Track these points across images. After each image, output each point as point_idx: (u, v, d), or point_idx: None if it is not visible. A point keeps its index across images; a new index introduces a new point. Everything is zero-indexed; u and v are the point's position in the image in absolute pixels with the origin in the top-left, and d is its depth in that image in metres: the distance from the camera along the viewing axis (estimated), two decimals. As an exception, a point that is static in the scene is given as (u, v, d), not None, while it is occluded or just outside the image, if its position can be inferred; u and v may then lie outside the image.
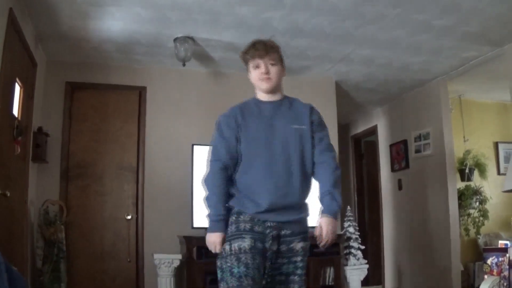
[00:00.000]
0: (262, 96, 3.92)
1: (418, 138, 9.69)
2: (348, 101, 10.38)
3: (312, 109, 3.93)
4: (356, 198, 12.46)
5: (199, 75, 8.43)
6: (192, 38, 7.23)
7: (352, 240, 8.20)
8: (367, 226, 12.10)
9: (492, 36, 7.23)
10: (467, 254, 9.40)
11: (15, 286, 3.72)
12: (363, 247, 8.28)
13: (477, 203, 9.49)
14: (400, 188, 10.41)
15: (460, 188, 9.44)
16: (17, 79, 6.04)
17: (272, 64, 3.78)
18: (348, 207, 8.62)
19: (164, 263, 7.10)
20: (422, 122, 9.62)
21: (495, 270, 4.53)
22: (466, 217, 9.44)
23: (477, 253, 9.47)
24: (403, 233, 10.30)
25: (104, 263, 7.73)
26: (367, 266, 8.20)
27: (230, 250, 3.55)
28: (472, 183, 9.64)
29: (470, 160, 9.65)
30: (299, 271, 3.68)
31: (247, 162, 3.70)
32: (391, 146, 10.73)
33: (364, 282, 8.49)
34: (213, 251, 3.63)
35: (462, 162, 9.68)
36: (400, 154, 10.32)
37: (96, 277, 7.65)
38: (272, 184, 3.60)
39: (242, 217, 3.62)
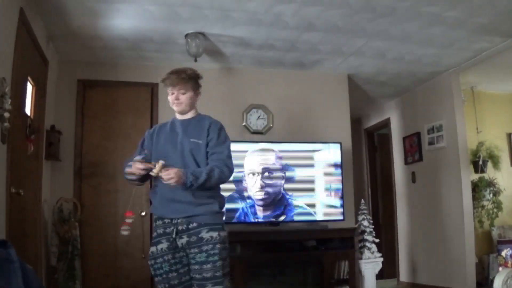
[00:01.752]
0: (177, 115, 4.62)
1: (431, 130, 9.65)
2: (360, 94, 10.34)
3: (210, 126, 4.50)
4: (370, 191, 12.43)
5: (210, 70, 8.40)
6: (203, 34, 7.22)
7: (366, 234, 8.19)
8: (381, 220, 12.07)
9: (504, 28, 7.18)
10: (481, 246, 9.35)
11: (29, 285, 3.71)
12: (377, 241, 8.27)
13: (491, 195, 9.44)
14: (413, 180, 10.38)
15: (473, 180, 9.39)
16: (29, 78, 6.05)
17: (183, 93, 4.47)
18: (362, 201, 8.60)
19: (178, 259, 7.10)
20: (435, 114, 9.58)
21: (509, 262, 4.51)
22: (480, 209, 9.40)
23: (491, 245, 9.44)
24: (417, 226, 10.27)
25: (118, 260, 7.74)
26: (381, 259, 8.18)
27: (155, 252, 4.18)
28: (485, 175, 9.59)
29: (484, 152, 9.59)
30: (211, 259, 4.09)
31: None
32: (404, 138, 10.69)
33: (379, 275, 8.47)
34: (138, 171, 4.11)
35: (475, 154, 9.63)
36: (414, 147, 10.27)
37: (110, 275, 7.66)
38: (169, 187, 4.06)
39: (158, 222, 4.28)
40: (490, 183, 9.47)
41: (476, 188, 9.33)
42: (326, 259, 7.64)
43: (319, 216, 8.02)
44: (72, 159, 7.73)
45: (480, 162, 9.56)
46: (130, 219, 4.36)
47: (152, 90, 8.29)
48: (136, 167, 4.07)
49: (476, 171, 9.62)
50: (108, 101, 8.11)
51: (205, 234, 4.11)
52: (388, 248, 11.08)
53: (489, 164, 9.70)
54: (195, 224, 4.14)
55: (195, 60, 7.39)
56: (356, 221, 8.48)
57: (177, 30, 7.09)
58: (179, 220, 4.14)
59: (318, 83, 8.97)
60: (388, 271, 10.91)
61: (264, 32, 7.20)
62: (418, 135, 10.12)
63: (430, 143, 9.71)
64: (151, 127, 7.89)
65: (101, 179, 7.87)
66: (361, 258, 8.01)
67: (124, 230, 4.28)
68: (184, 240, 4.12)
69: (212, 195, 4.31)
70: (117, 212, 7.79)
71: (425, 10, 6.59)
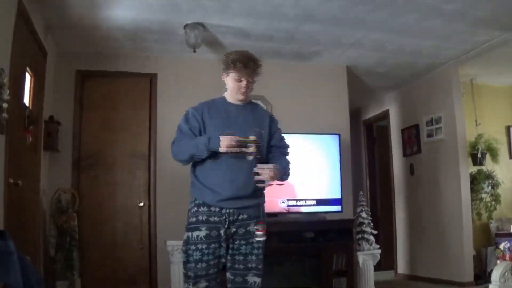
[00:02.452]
0: (231, 99, 4.45)
1: (430, 122, 9.66)
2: (359, 86, 10.33)
3: (271, 118, 4.54)
4: (368, 183, 12.44)
5: (209, 61, 8.38)
6: (202, 25, 7.20)
7: (364, 225, 8.19)
8: (379, 211, 12.08)
9: (503, 20, 7.18)
10: (479, 239, 9.36)
11: (27, 276, 3.72)
12: (375, 232, 8.28)
13: (489, 188, 9.44)
14: (412, 172, 10.39)
15: (472, 172, 9.40)
16: (28, 69, 6.05)
17: (251, 82, 4.34)
18: (360, 192, 8.61)
19: (177, 250, 7.09)
20: (434, 107, 9.59)
21: (507, 255, 4.52)
22: (478, 202, 9.40)
23: (489, 238, 9.45)
24: (415, 218, 10.29)
25: (117, 251, 7.76)
26: (379, 251, 8.20)
27: (190, 238, 4.15)
28: (484, 168, 9.60)
29: (482, 145, 9.59)
30: (255, 251, 4.22)
31: (209, 156, 4.20)
32: (403, 130, 10.71)
33: (376, 267, 8.49)
34: (232, 147, 4.02)
35: (474, 146, 9.62)
36: (412, 139, 10.29)
37: (109, 265, 7.68)
38: (230, 176, 4.13)
39: (201, 208, 4.19)
40: (489, 176, 9.47)
41: (475, 180, 9.33)
42: (324, 251, 7.66)
43: (317, 207, 8.04)
44: (70, 150, 7.72)
45: (479, 155, 9.55)
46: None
47: (151, 81, 8.28)
48: (230, 143, 3.99)
49: (474, 163, 9.61)
50: (106, 92, 8.11)
51: (253, 227, 4.19)
52: (386, 240, 11.11)
53: (488, 157, 9.70)
54: (245, 216, 4.18)
55: (194, 51, 7.40)
56: (355, 212, 8.49)
57: (176, 20, 7.07)
58: (230, 210, 4.13)
59: (317, 74, 8.97)
60: (386, 263, 10.95)
61: (263, 23, 7.20)
62: (416, 127, 10.13)
63: (429, 135, 9.72)
64: (150, 118, 7.93)
65: (99, 170, 7.88)
66: (359, 250, 8.02)
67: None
68: (231, 230, 4.14)
69: (262, 188, 4.29)
70: (116, 203, 7.84)
71: (424, 2, 6.58)
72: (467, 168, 9.11)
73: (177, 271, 7.14)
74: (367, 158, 12.56)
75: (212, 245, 4.09)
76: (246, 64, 4.21)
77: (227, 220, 4.12)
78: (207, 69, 8.38)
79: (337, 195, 8.15)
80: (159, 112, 8.14)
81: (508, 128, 10.28)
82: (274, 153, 4.39)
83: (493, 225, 9.50)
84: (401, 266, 10.79)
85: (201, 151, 4.13)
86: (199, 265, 4.06)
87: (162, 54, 8.27)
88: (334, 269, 7.75)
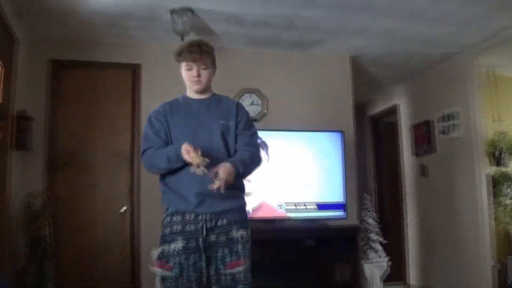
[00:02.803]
0: (191, 94, 4.47)
1: (444, 118, 9.60)
2: (365, 78, 10.34)
3: (238, 107, 4.47)
4: (375, 185, 12.42)
5: (199, 50, 8.38)
6: (191, 10, 7.14)
7: (370, 232, 8.16)
8: (387, 217, 12.05)
9: (528, 3, 7.13)
10: (501, 248, 9.31)
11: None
12: (383, 240, 8.23)
13: (509, 190, 9.39)
14: (424, 174, 10.34)
15: (490, 173, 9.33)
16: (-5, 59, 5.99)
17: (204, 68, 4.31)
18: (366, 196, 8.58)
19: (163, 260, 7.06)
20: (449, 101, 9.53)
21: (531, 266, 4.47)
22: (502, 207, 9.34)
23: (511, 246, 9.40)
24: (427, 224, 10.26)
25: (96, 261, 7.71)
26: (387, 260, 8.15)
27: (166, 252, 4.03)
28: (506, 169, 9.53)
29: (503, 143, 9.53)
30: (242, 261, 4.07)
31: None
32: (413, 127, 10.65)
33: (385, 278, 8.44)
34: (189, 157, 3.89)
35: (493, 145, 9.57)
36: (424, 137, 10.24)
37: (87, 277, 7.63)
38: (200, 177, 3.93)
39: (175, 218, 4.11)
40: (511, 178, 9.41)
41: (497, 183, 9.26)
42: (325, 261, 7.63)
43: (318, 213, 8.00)
44: (44, 149, 7.67)
45: (501, 155, 9.49)
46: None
47: (134, 72, 8.25)
48: (186, 152, 3.89)
49: (495, 164, 9.56)
50: (84, 84, 8.08)
51: (235, 233, 4.07)
52: (395, 249, 11.06)
53: (510, 157, 9.65)
54: (224, 222, 4.08)
55: (182, 39, 7.32)
56: (360, 218, 8.46)
57: (162, 5, 7.01)
58: (207, 216, 4.04)
59: (318, 65, 8.96)
60: (395, 274, 10.90)
61: (259, 7, 7.14)
62: (428, 123, 10.08)
63: (443, 133, 9.66)
64: (133, 113, 7.87)
65: (77, 171, 7.85)
66: (365, 260, 7.98)
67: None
68: (211, 239, 4.04)
69: (240, 187, 4.27)
70: (95, 208, 7.82)
71: (439, -16, 6.55)
72: (486, 169, 9.04)
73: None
74: (373, 157, 12.57)
75: (192, 257, 3.98)
76: (190, 49, 4.22)
77: (204, 227, 4.03)
78: (196, 59, 8.34)
79: (340, 199, 8.12)
80: (143, 107, 8.07)
81: (533, 124, 10.24)
82: (238, 143, 4.30)
83: (515, 232, 9.46)
84: (413, 278, 10.77)
85: (174, 163, 4.08)
86: (179, 281, 3.96)
87: (146, 43, 8.25)
88: (337, 281, 7.70)
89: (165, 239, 4.08)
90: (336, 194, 8.12)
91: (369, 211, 8.33)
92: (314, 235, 7.80)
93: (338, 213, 8.08)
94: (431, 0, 6.94)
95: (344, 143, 8.27)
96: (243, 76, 8.53)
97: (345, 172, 8.22)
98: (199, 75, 4.26)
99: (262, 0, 6.88)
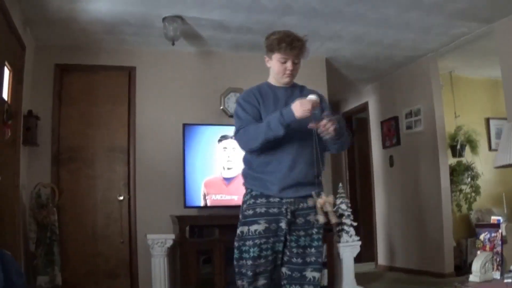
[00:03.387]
0: (275, 82, 4.15)
1: (409, 114, 9.74)
2: (338, 78, 10.39)
3: (321, 97, 4.03)
4: (347, 175, 12.51)
5: (188, 54, 8.45)
6: (181, 17, 7.23)
7: (344, 217, 8.23)
8: (359, 203, 12.17)
9: (481, 13, 7.26)
10: (459, 230, 9.47)
11: (8, 270, 3.75)
12: (355, 224, 8.32)
13: (469, 179, 9.54)
14: (391, 164, 10.47)
15: (451, 164, 9.50)
16: (6, 63, 6.04)
17: (297, 63, 4.03)
18: (340, 184, 8.65)
19: (157, 243, 7.14)
20: (413, 99, 9.67)
21: (487, 246, 4.56)
22: (458, 193, 9.50)
23: (469, 229, 9.54)
24: (395, 209, 10.38)
25: (97, 245, 7.77)
26: (359, 243, 8.24)
27: (247, 233, 3.85)
28: (463, 159, 9.70)
29: (462, 136, 9.69)
30: (315, 243, 3.93)
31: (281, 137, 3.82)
32: (382, 122, 10.79)
33: (357, 259, 8.54)
34: (311, 108, 3.67)
35: (453, 138, 9.73)
36: (391, 131, 10.36)
37: (89, 260, 7.70)
38: (288, 164, 3.85)
39: (259, 200, 3.88)
40: (468, 167, 9.57)
41: (454, 172, 9.44)
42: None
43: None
44: (49, 144, 7.72)
45: (458, 147, 9.65)
46: None
47: (129, 74, 8.28)
48: (304, 107, 3.65)
49: (454, 155, 9.72)
50: (85, 86, 8.11)
51: (312, 217, 3.88)
52: (366, 232, 11.18)
53: (467, 149, 9.81)
54: (305, 205, 3.89)
55: (173, 44, 7.42)
56: (334, 204, 8.53)
57: (154, 13, 7.09)
58: (291, 200, 3.85)
59: (296, 67, 9.01)
60: (366, 254, 11.02)
61: (242, 15, 7.23)
62: (396, 119, 10.21)
63: (408, 127, 9.81)
64: (129, 111, 7.94)
65: (79, 164, 7.88)
66: (339, 242, 8.06)
67: None
68: (291, 221, 3.86)
69: (320, 174, 4.03)
70: (96, 196, 7.86)
71: (403, -5, 6.66)
72: (447, 160, 9.21)
73: (157, 264, 7.18)
74: (346, 150, 12.61)
75: (271, 239, 3.82)
76: (291, 43, 3.94)
77: (289, 210, 3.84)
78: (186, 62, 8.43)
79: (316, 187, 8.17)
80: (138, 106, 8.16)
81: (487, 120, 10.39)
82: None
83: (473, 216, 9.61)
84: (382, 258, 10.88)
85: (277, 130, 3.72)
86: (257, 262, 3.80)
87: (140, 47, 8.28)
88: (314, 261, 7.79)
89: (247, 220, 3.89)
90: (312, 183, 8.19)
91: (342, 198, 8.38)
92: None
93: (315, 200, 8.16)
94: (397, 9, 7.08)
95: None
96: (229, 77, 8.55)
97: (320, 163, 8.28)
98: (293, 69, 4.02)
99: (245, 8, 6.98)
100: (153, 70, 8.33)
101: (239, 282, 3.90)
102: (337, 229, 8.16)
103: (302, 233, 3.89)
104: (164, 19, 7.21)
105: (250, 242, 3.82)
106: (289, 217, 3.83)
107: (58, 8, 6.70)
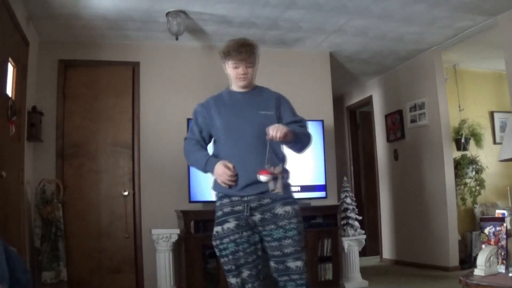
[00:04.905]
0: (236, 88, 4.41)
1: (414, 108, 9.74)
2: (342, 72, 10.40)
3: (278, 97, 4.47)
4: (352, 169, 12.51)
5: (192, 49, 8.45)
6: (184, 12, 7.22)
7: (349, 211, 8.25)
8: (363, 197, 12.18)
9: (486, 6, 7.25)
10: (464, 224, 9.48)
11: (13, 266, 3.75)
12: (360, 218, 8.34)
13: (473, 173, 9.54)
14: (396, 158, 10.47)
15: (456, 157, 9.50)
16: (10, 59, 6.03)
17: (249, 66, 4.27)
18: (345, 178, 8.67)
19: (162, 238, 7.16)
20: (417, 92, 9.67)
21: (492, 240, 4.55)
22: (462, 187, 9.50)
23: (474, 222, 9.56)
24: (399, 203, 10.39)
25: (102, 240, 7.78)
26: (364, 236, 8.26)
27: (221, 232, 4.12)
28: (468, 153, 9.69)
29: (466, 130, 9.69)
30: (289, 233, 4.06)
31: (221, 146, 4.27)
32: (386, 116, 10.78)
33: (362, 252, 8.56)
34: (227, 179, 4.06)
35: (457, 131, 9.73)
36: (396, 124, 10.36)
37: (94, 255, 7.71)
38: (245, 164, 4.09)
39: (224, 200, 4.18)
40: (473, 161, 9.57)
41: (459, 165, 9.44)
42: (309, 237, 7.69)
43: (302, 194, 8.08)
44: (54, 140, 7.71)
45: (463, 140, 9.65)
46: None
47: (133, 69, 8.28)
48: (223, 173, 4.03)
49: (458, 149, 9.72)
50: (89, 81, 8.09)
51: (279, 210, 4.08)
52: (371, 226, 11.21)
53: (472, 142, 9.80)
54: (268, 200, 4.09)
55: (176, 39, 7.42)
56: (339, 198, 8.55)
57: (158, 8, 7.09)
58: (250, 197, 4.08)
59: (300, 61, 9.01)
60: (371, 248, 11.06)
61: (246, 9, 7.23)
62: (400, 112, 10.21)
63: (412, 121, 9.80)
64: (133, 106, 7.94)
65: (83, 160, 7.88)
66: (344, 236, 8.08)
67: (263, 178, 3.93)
68: (257, 217, 4.09)
69: (283, 167, 4.20)
70: (100, 192, 7.86)
71: (407, -12, 6.65)
72: (451, 153, 9.21)
73: (162, 259, 7.21)
74: (350, 144, 12.62)
75: (245, 233, 4.09)
76: (238, 49, 4.18)
77: (248, 207, 4.08)
78: (190, 56, 8.43)
79: (321, 181, 8.21)
80: (142, 101, 8.17)
81: (491, 113, 10.39)
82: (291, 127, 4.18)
83: (477, 210, 9.61)
84: (387, 252, 10.89)
85: (200, 169, 4.27)
86: (237, 255, 4.07)
87: (144, 42, 8.29)
88: (320, 255, 7.79)
89: (219, 221, 4.16)
90: (317, 177, 8.20)
91: (347, 192, 8.40)
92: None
93: (320, 194, 8.16)
94: (401, 2, 7.07)
95: (324, 131, 8.33)
96: (232, 71, 8.57)
97: (325, 157, 8.28)
98: (246, 73, 4.25)
99: (249, 3, 6.98)
100: (157, 65, 8.33)
101: (228, 279, 4.17)
102: (342, 223, 8.18)
103: (273, 226, 4.07)
104: (167, 14, 7.21)
105: (226, 239, 4.09)
106: (247, 214, 4.09)
107: (62, 4, 6.70)
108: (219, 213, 4.18)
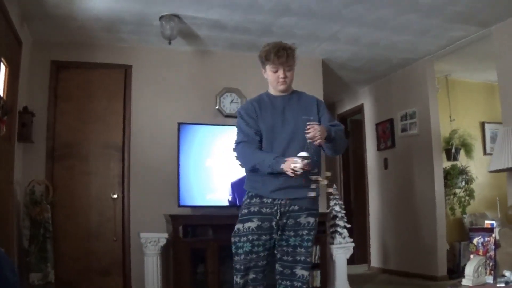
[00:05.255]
0: (274, 92, 4.44)
1: (404, 117, 9.77)
2: (334, 79, 10.41)
3: (318, 102, 4.46)
4: (342, 177, 12.53)
5: (185, 53, 8.46)
6: (178, 16, 7.23)
7: (338, 219, 8.26)
8: (353, 205, 12.19)
9: (480, 16, 7.29)
10: (452, 234, 9.51)
11: (2, 267, 3.74)
12: (349, 226, 8.35)
13: (463, 183, 9.57)
14: (386, 167, 10.49)
15: (446, 167, 9.53)
16: (2, 59, 6.00)
17: (288, 70, 4.28)
18: (334, 186, 8.67)
19: (151, 242, 7.16)
20: (409, 101, 9.70)
21: (481, 250, 4.58)
22: (452, 197, 9.54)
23: (462, 232, 9.58)
24: (389, 212, 10.41)
25: (90, 243, 7.77)
26: (353, 244, 8.27)
27: (241, 230, 4.20)
28: (458, 163, 9.73)
29: (456, 140, 9.73)
30: (305, 244, 4.20)
31: (264, 148, 4.26)
32: (377, 125, 10.81)
33: (350, 260, 8.57)
34: (299, 168, 3.91)
35: (448, 141, 9.77)
36: (386, 133, 10.39)
37: (82, 257, 7.69)
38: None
39: (253, 200, 4.23)
40: (463, 171, 9.60)
41: (449, 175, 9.47)
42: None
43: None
44: (44, 141, 7.70)
45: (453, 150, 9.70)
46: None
47: (125, 72, 8.27)
48: (295, 166, 3.90)
49: (448, 159, 9.76)
50: (81, 83, 8.08)
51: (303, 219, 4.18)
52: (359, 234, 11.22)
53: (462, 152, 9.84)
54: (296, 207, 4.17)
55: (169, 43, 7.42)
56: (328, 206, 8.55)
57: (151, 11, 7.09)
58: (282, 201, 4.14)
59: (292, 67, 9.03)
60: (359, 256, 11.07)
61: (240, 15, 7.24)
62: (391, 121, 10.24)
63: (403, 130, 9.83)
64: (124, 109, 7.93)
65: (73, 161, 7.87)
66: (332, 243, 8.09)
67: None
68: (281, 222, 4.16)
69: (316, 178, 4.17)
70: (89, 194, 7.85)
71: (401, -3, 6.67)
72: (441, 163, 9.25)
73: (150, 263, 7.20)
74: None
75: (263, 237, 4.15)
76: (277, 53, 4.21)
77: (278, 211, 4.14)
78: (182, 61, 8.44)
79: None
80: (134, 104, 8.17)
81: (482, 124, 10.44)
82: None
83: (466, 220, 9.64)
84: (375, 260, 10.90)
85: (264, 169, 4.12)
86: (249, 257, 4.13)
87: (137, 45, 8.29)
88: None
89: (243, 218, 4.23)
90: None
91: (336, 200, 8.41)
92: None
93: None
94: (395, 11, 7.10)
95: (314, 138, 8.33)
96: (224, 77, 8.56)
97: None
98: (285, 77, 4.27)
99: (242, 8, 6.99)
100: (149, 68, 8.34)
101: (234, 278, 4.22)
102: (331, 230, 8.18)
103: (292, 233, 4.19)
104: (161, 17, 7.22)
105: (243, 238, 4.15)
106: (278, 217, 4.16)
107: (56, 4, 6.70)
108: (244, 211, 4.24)
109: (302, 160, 3.87)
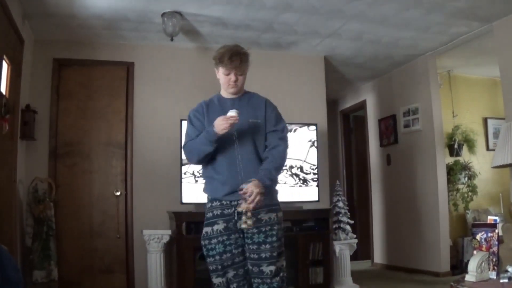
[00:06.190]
0: (225, 93, 4.51)
1: (407, 113, 9.76)
2: (337, 76, 10.41)
3: (266, 103, 4.51)
4: (345, 173, 12.52)
5: (187, 50, 8.45)
6: (180, 13, 7.22)
7: (341, 215, 8.26)
8: (356, 201, 12.19)
9: (481, 12, 7.28)
10: (455, 230, 9.49)
11: (5, 265, 3.75)
12: (352, 222, 8.34)
13: (466, 179, 9.56)
14: (389, 163, 10.48)
15: (449, 163, 9.52)
16: (5, 57, 6.00)
17: (240, 74, 4.34)
18: (337, 182, 8.67)
19: (154, 239, 7.17)
20: (411, 97, 9.69)
21: (484, 246, 4.57)
22: (455, 192, 9.52)
23: (465, 228, 9.57)
24: (391, 208, 10.40)
25: (93, 240, 7.77)
26: (356, 240, 8.27)
27: (211, 232, 4.22)
28: (461, 159, 9.71)
29: (459, 136, 9.71)
30: (269, 239, 4.19)
31: (212, 149, 4.23)
32: (380, 121, 10.80)
33: (353, 256, 8.56)
34: (228, 124, 4.05)
35: (451, 137, 9.74)
36: (389, 129, 10.37)
37: (85, 255, 7.70)
38: (233, 170, 4.21)
39: (214, 203, 4.28)
40: (465, 167, 9.59)
41: (451, 171, 9.46)
42: (300, 240, 7.70)
43: (294, 197, 8.10)
44: (47, 139, 7.70)
45: (456, 146, 9.67)
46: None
47: (127, 69, 8.28)
48: (225, 123, 4.02)
49: (451, 154, 9.74)
50: (83, 80, 8.09)
51: (264, 215, 4.18)
52: (362, 230, 11.21)
53: (465, 148, 9.82)
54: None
55: (171, 40, 7.42)
56: (331, 202, 8.55)
57: (153, 9, 7.08)
58: (238, 202, 4.10)
59: (295, 64, 9.02)
60: (362, 252, 11.07)
61: (241, 12, 7.23)
62: (393, 117, 10.23)
63: (406, 126, 9.82)
64: (126, 107, 7.92)
65: (76, 159, 7.88)
66: (335, 239, 8.09)
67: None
68: (242, 221, 4.10)
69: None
70: (92, 192, 7.86)
71: (403, -7, 6.67)
72: (444, 159, 9.23)
73: (153, 260, 7.21)
74: (344, 148, 12.63)
75: (233, 236, 4.19)
76: (231, 58, 4.24)
77: (236, 211, 4.15)
78: (184, 58, 8.43)
79: (313, 184, 8.19)
80: (136, 101, 8.18)
81: (485, 119, 10.41)
82: (269, 140, 4.35)
83: (469, 216, 9.63)
84: (378, 256, 10.90)
85: (206, 146, 4.18)
86: (224, 256, 4.17)
87: (139, 43, 8.29)
88: (311, 258, 7.78)
89: (208, 222, 4.26)
90: (310, 180, 8.22)
91: (339, 196, 8.41)
92: (290, 217, 7.79)
93: (312, 197, 8.19)
94: (397, 7, 7.09)
95: (317, 134, 8.31)
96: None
97: (318, 161, 8.29)
98: (236, 80, 4.32)
99: (244, 5, 6.98)
100: (151, 65, 8.34)
101: (213, 279, 4.28)
102: (334, 226, 8.18)
103: (255, 230, 4.17)
104: (163, 14, 7.21)
105: (214, 240, 4.19)
106: (236, 218, 4.17)
107: (57, 3, 6.69)
108: (209, 215, 4.27)
109: (230, 116, 4.03)
